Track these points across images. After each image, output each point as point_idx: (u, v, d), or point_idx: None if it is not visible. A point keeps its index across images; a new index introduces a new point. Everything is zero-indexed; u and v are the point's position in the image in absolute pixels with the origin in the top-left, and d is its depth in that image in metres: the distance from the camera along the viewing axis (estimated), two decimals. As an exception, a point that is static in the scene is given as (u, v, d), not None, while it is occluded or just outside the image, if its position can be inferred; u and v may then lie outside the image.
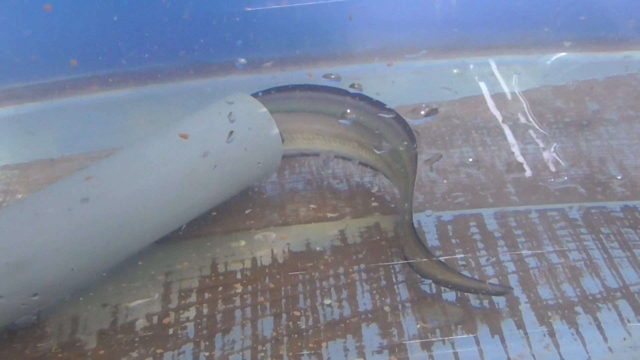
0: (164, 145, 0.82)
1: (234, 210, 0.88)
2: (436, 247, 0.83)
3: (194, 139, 0.83)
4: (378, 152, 0.87)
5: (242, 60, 0.99)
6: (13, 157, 0.98)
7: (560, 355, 0.71)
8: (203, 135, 0.84)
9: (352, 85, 0.90)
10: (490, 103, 1.08)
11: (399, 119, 0.89)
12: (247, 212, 0.88)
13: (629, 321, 0.74)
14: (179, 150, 0.82)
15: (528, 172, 0.94)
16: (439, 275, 0.77)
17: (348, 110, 0.88)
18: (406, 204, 0.81)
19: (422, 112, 0.87)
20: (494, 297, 0.76)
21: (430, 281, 0.78)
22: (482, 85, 1.12)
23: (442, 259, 0.78)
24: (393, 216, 0.87)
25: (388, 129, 0.89)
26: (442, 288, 0.78)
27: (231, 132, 0.82)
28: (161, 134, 0.84)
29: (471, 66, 1.16)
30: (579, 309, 0.75)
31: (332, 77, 0.95)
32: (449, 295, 0.77)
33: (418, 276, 0.78)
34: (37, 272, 0.71)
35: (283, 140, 0.89)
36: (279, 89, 0.92)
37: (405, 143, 0.87)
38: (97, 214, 0.75)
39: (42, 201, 0.75)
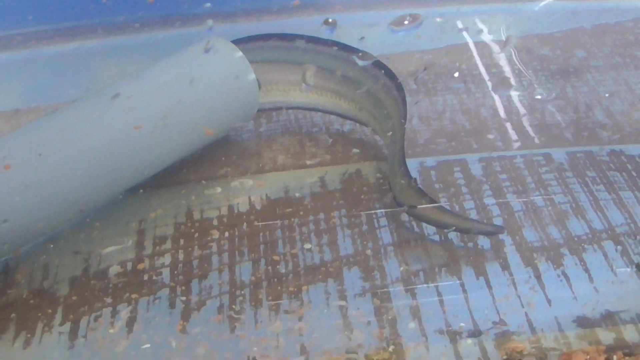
0: (138, 90, 0.83)
1: (209, 158, 0.89)
2: (419, 193, 0.84)
3: (167, 83, 0.83)
4: (358, 92, 0.88)
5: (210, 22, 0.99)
6: (-23, 108, 0.98)
7: (546, 295, 0.73)
8: (178, 78, 0.84)
9: (326, 22, 0.91)
10: (475, 51, 1.09)
11: (378, 64, 0.89)
12: (222, 159, 0.89)
13: (614, 261, 0.76)
14: (154, 95, 0.82)
15: (513, 119, 0.95)
16: (432, 215, 0.78)
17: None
18: (397, 146, 0.82)
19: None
20: (478, 241, 0.78)
21: (415, 220, 0.79)
22: (467, 34, 1.13)
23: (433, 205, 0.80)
24: (375, 162, 0.88)
25: (368, 75, 0.90)
26: (425, 232, 0.79)
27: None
28: (134, 78, 0.84)
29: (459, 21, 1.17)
30: (564, 250, 0.77)
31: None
32: (433, 239, 0.79)
33: (409, 217, 0.80)
34: (4, 216, 0.71)
35: (260, 86, 0.89)
36: (253, 38, 0.93)
37: (388, 87, 0.88)
38: (68, 160, 0.75)
39: (10, 145, 0.75)
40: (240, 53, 0.88)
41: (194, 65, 0.85)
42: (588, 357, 0.66)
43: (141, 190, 0.83)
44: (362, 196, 0.84)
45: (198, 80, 0.84)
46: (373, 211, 0.82)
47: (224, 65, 0.87)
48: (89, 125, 0.78)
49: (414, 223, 0.80)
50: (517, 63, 1.06)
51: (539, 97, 0.99)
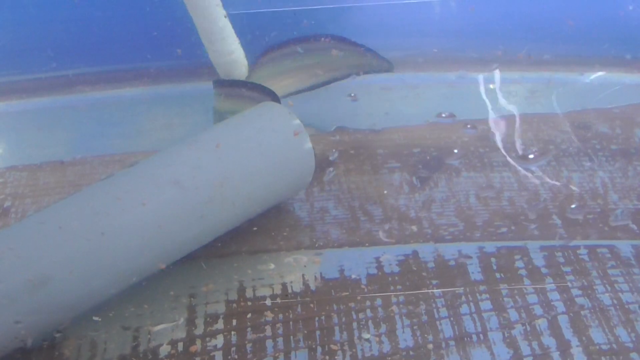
0: (194, 156, 0.82)
1: (261, 229, 0.87)
2: (479, 281, 0.83)
3: (223, 151, 0.82)
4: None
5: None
6: (21, 158, 0.96)
7: (616, 405, 0.71)
8: (233, 146, 0.83)
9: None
10: (529, 124, 1.08)
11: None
12: (274, 231, 0.88)
13: (687, 372, 0.74)
14: (209, 162, 0.81)
15: (575, 203, 0.94)
16: None
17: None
18: None
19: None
20: (543, 340, 0.76)
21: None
22: (515, 107, 1.12)
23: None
24: (432, 244, 0.87)
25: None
26: (488, 325, 0.77)
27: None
28: (188, 145, 0.83)
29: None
30: (634, 355, 0.75)
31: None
32: (495, 335, 0.77)
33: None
34: (57, 288, 0.70)
35: (316, 155, 0.88)
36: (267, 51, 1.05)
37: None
38: (122, 228, 0.74)
39: (65, 213, 0.74)
40: (297, 120, 0.87)
41: (250, 132, 0.84)
42: None
43: (191, 261, 0.81)
44: (421, 282, 0.82)
45: (254, 148, 0.83)
46: (431, 293, 0.80)
47: (280, 132, 0.86)
48: (143, 193, 0.76)
49: (475, 315, 0.78)
50: (575, 140, 1.05)
51: (600, 179, 0.97)
